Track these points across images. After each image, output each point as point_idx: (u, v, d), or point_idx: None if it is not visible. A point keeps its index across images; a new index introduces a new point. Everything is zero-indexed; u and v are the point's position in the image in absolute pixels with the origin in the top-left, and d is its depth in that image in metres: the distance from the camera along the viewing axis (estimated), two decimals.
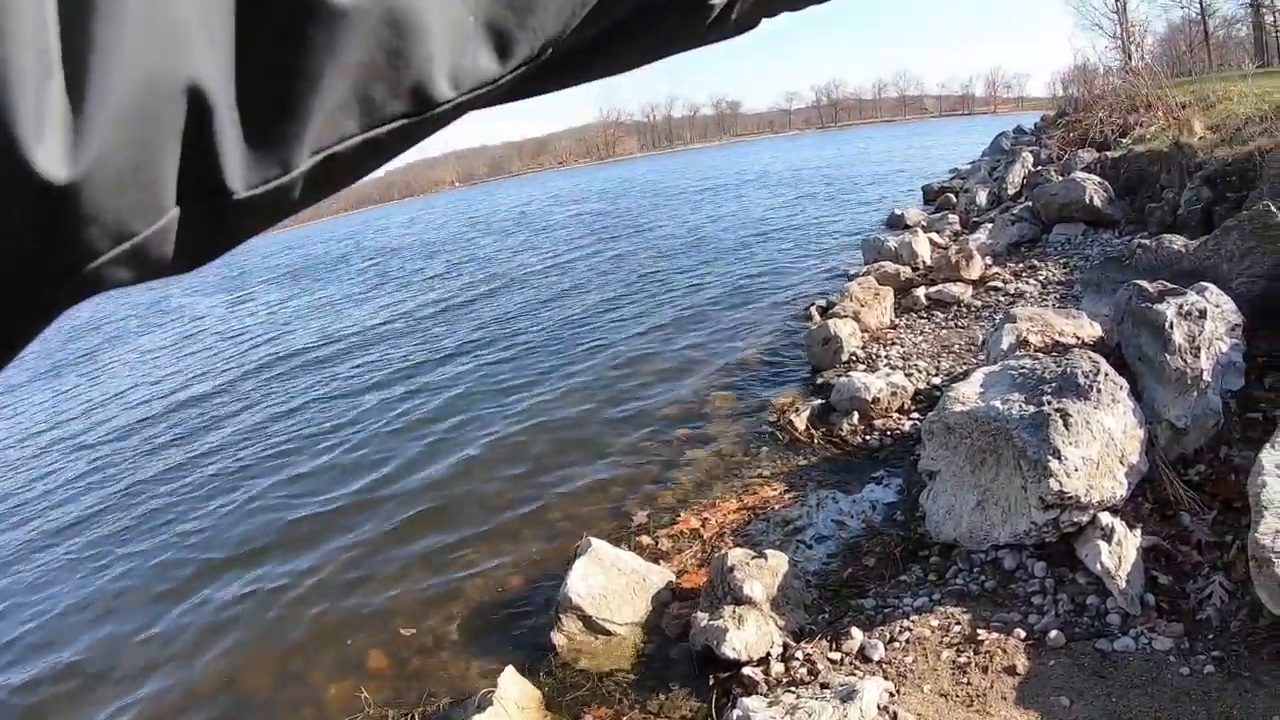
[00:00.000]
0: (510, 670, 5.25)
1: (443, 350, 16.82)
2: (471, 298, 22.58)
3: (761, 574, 5.23)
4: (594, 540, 6.15)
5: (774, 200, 31.16)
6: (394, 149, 0.50)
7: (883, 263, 13.49)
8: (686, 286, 17.86)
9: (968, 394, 5.61)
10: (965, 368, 8.37)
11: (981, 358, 8.15)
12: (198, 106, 0.38)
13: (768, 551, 5.44)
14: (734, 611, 5.02)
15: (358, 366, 17.11)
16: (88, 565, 9.97)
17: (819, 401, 8.63)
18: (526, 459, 9.72)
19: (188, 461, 13.04)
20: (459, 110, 0.51)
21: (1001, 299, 10.58)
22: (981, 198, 18.93)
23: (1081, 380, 5.21)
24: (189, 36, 0.38)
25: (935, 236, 15.43)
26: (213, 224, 0.43)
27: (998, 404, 5.28)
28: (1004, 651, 4.33)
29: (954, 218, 17.77)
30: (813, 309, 12.73)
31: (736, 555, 5.40)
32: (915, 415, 7.80)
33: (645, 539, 6.93)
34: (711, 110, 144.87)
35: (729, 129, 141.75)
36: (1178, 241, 8.15)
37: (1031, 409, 5.08)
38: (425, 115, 0.49)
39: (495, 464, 9.73)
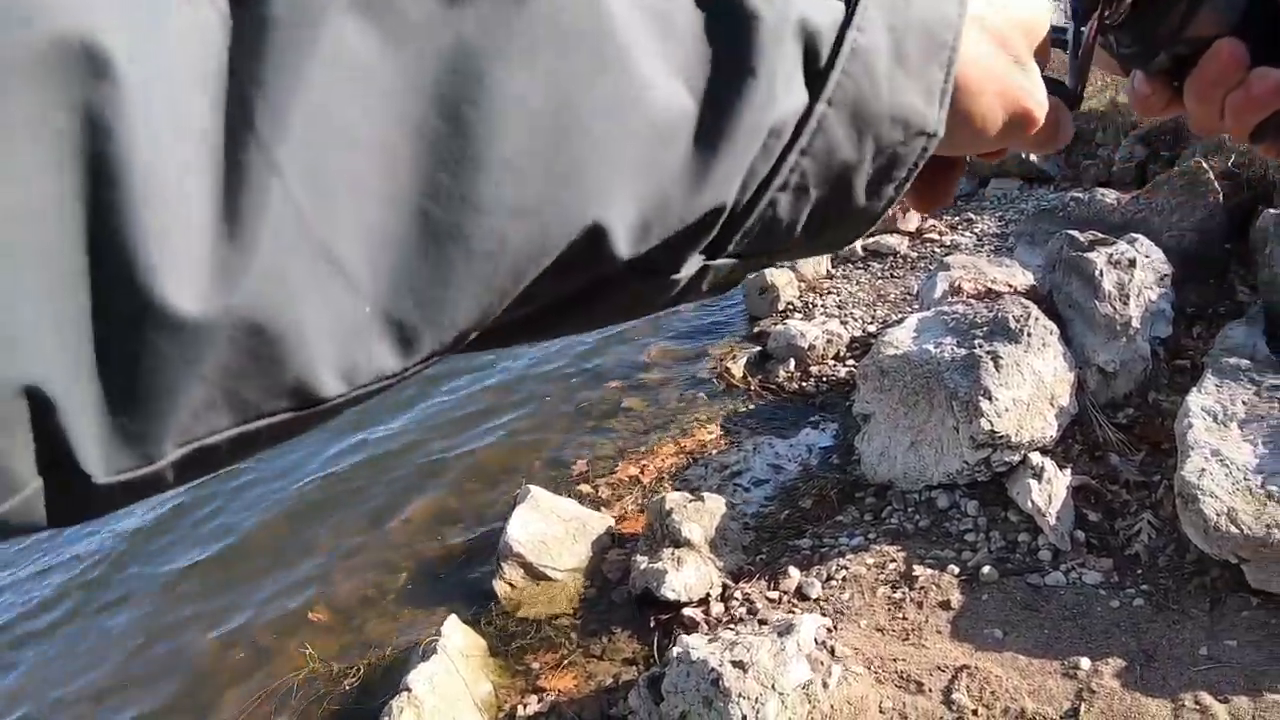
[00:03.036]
0: (453, 619, 5.28)
1: None
2: None
3: (700, 516, 5.28)
4: (533, 488, 6.17)
5: None
6: (270, 440, 0.45)
7: None
8: None
9: (901, 338, 5.68)
10: (900, 316, 8.47)
11: (916, 306, 8.26)
12: (42, 405, 0.36)
13: (705, 495, 5.50)
14: (673, 554, 5.07)
15: None
16: None
17: (756, 349, 8.67)
18: (461, 412, 9.66)
19: None
20: (347, 406, 0.45)
21: (937, 250, 10.65)
22: None
23: (1013, 324, 5.30)
24: (29, 341, 0.35)
25: None
26: (80, 500, 0.40)
27: (930, 348, 5.36)
28: (938, 587, 4.42)
29: None
30: None
31: (674, 499, 5.45)
32: (851, 362, 7.84)
33: (585, 487, 6.94)
34: None
35: None
36: (1110, 195, 8.25)
37: (963, 352, 5.17)
38: (312, 411, 0.43)
39: (430, 417, 9.66)
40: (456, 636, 5.15)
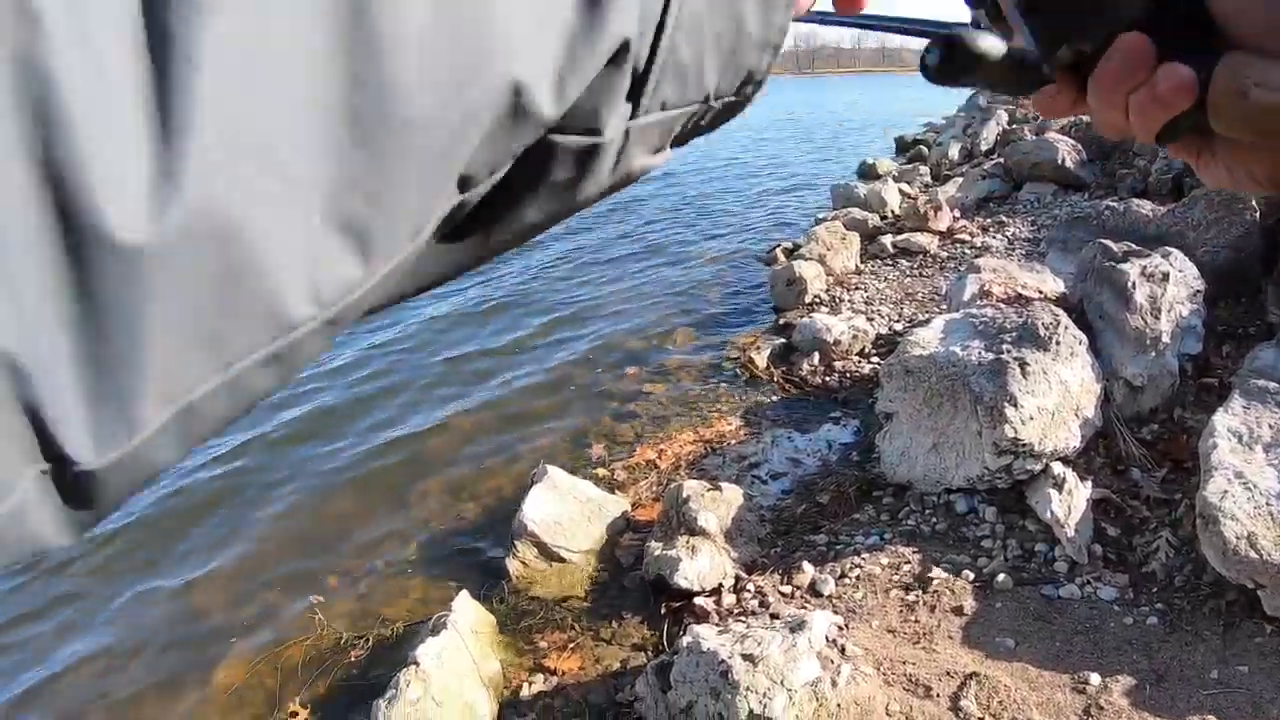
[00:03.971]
0: (465, 595, 5.27)
1: None
2: None
3: (716, 506, 5.28)
4: (550, 468, 6.17)
5: (743, 143, 30.79)
6: (263, 389, 0.44)
7: (851, 209, 13.46)
8: (651, 222, 17.72)
9: (928, 339, 5.66)
10: (927, 315, 8.43)
11: (944, 307, 8.22)
12: (13, 377, 0.34)
13: (723, 484, 5.49)
14: (688, 542, 5.07)
15: None
16: None
17: (780, 341, 8.68)
18: (483, 390, 9.70)
19: None
20: (328, 331, 0.44)
21: (967, 251, 10.62)
22: (954, 152, 18.76)
23: (1041, 331, 5.27)
24: None
25: (905, 187, 15.36)
26: (74, 496, 0.38)
27: (957, 350, 5.34)
28: (952, 592, 4.41)
29: (925, 170, 17.74)
30: (778, 250, 12.67)
31: (692, 486, 5.45)
32: (876, 359, 7.84)
33: (602, 471, 6.96)
34: None
35: None
36: (1145, 206, 8.21)
37: (990, 356, 5.14)
38: (288, 341, 0.42)
39: (452, 394, 9.70)
40: (467, 613, 5.15)
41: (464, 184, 0.49)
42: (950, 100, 37.38)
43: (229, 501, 8.26)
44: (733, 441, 6.98)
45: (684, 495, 5.36)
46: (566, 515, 5.83)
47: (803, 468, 6.37)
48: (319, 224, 0.41)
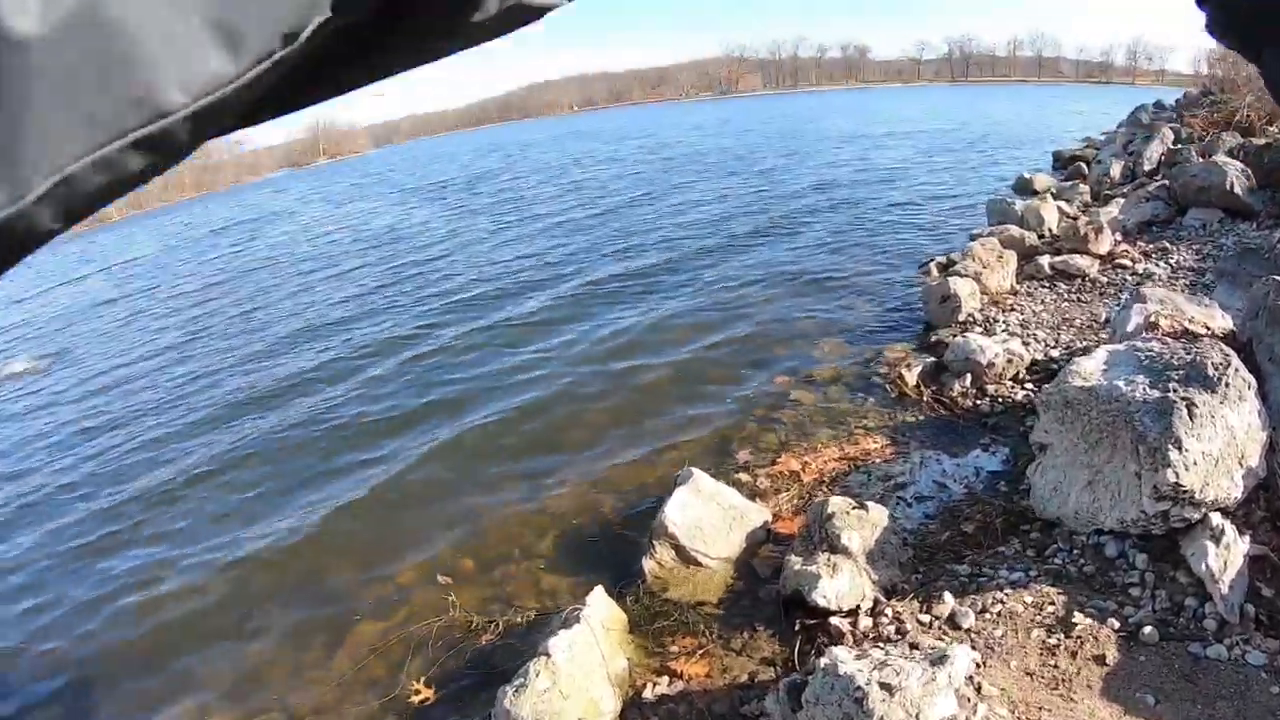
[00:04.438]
0: (599, 590, 5.33)
1: (558, 265, 16.99)
2: (579, 220, 22.83)
3: (860, 525, 5.25)
4: (695, 471, 6.21)
5: (900, 151, 30.30)
6: (137, 170, 0.49)
7: (1008, 226, 13.13)
8: (806, 230, 17.56)
9: (1090, 370, 5.51)
10: (1085, 344, 8.22)
11: (1104, 335, 8.01)
12: None
13: (868, 503, 5.45)
14: (829, 559, 5.06)
15: (461, 272, 17.60)
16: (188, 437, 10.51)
17: (931, 359, 8.56)
18: (633, 384, 9.82)
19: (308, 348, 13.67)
20: (199, 124, 0.49)
21: (1129, 278, 10.28)
22: (1115, 170, 18.08)
23: (1210, 371, 5.09)
24: None
25: (1064, 205, 14.83)
26: None
27: (1120, 384, 5.18)
28: (1095, 639, 4.31)
29: (1084, 188, 17.12)
30: (932, 265, 12.48)
31: (837, 503, 5.43)
32: (1029, 385, 7.68)
33: (744, 476, 6.97)
34: (839, 53, 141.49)
35: (856, 74, 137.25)
36: None
37: (1156, 394, 4.97)
38: (161, 126, 0.47)
39: (601, 386, 9.90)
40: (600, 608, 5.21)
41: (339, 5, 0.53)
42: (1110, 114, 36.24)
43: (374, 473, 8.56)
44: (878, 460, 6.92)
45: (829, 511, 5.35)
46: (708, 520, 5.86)
47: (949, 493, 6.29)
48: (196, 22, 0.47)
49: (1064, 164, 22.98)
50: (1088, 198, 16.35)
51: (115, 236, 57.76)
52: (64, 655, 6.84)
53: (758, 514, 6.11)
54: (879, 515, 5.38)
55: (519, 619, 5.88)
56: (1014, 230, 12.72)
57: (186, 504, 8.99)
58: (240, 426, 10.89)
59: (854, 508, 5.39)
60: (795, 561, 5.20)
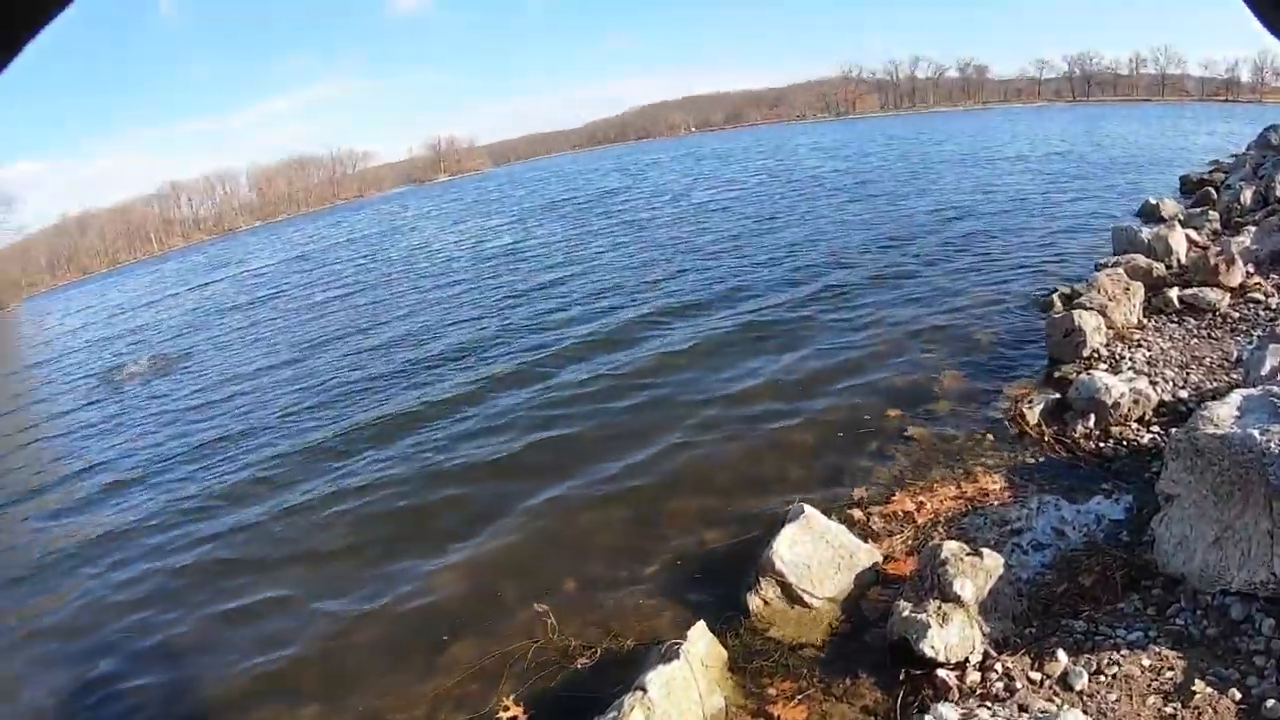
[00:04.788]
0: (701, 625, 5.24)
1: (674, 294, 16.98)
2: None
3: (975, 573, 5.06)
4: (807, 507, 6.08)
5: (1021, 175, 29.59)
6: None
7: (1134, 255, 12.67)
8: (926, 259, 17.20)
9: (1222, 416, 5.25)
10: (1216, 385, 7.90)
11: (1236, 376, 7.69)
12: None
13: (984, 550, 5.23)
14: (939, 608, 4.90)
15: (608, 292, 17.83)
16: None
17: (1054, 396, 8.27)
18: (748, 408, 9.75)
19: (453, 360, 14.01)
20: None
21: (1262, 313, 9.85)
22: (1246, 196, 17.10)
23: None
24: None
25: (1193, 233, 14.26)
26: None
27: (1255, 433, 4.90)
28: (1214, 710, 4.08)
29: (1214, 214, 16.35)
30: (1055, 296, 12.07)
31: (951, 548, 5.23)
32: (1155, 429, 7.38)
33: (857, 513, 6.81)
34: (957, 73, 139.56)
35: (974, 94, 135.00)
36: None
37: None
38: None
39: (709, 419, 9.79)
40: (701, 644, 5.13)
41: None
42: (1236, 135, 35.02)
43: (489, 491, 8.65)
44: (996, 502, 6.70)
45: (942, 556, 5.17)
46: (816, 559, 5.74)
47: (1067, 541, 6.03)
48: None
49: (1192, 189, 22.13)
50: (1218, 225, 15.68)
51: (244, 246, 59.71)
52: (157, 658, 7.12)
53: (868, 555, 5.94)
54: (994, 563, 5.17)
55: (617, 646, 5.85)
56: (1140, 260, 12.30)
57: (289, 514, 9.36)
58: (347, 448, 11.16)
59: (968, 554, 5.19)
60: (904, 607, 5.05)
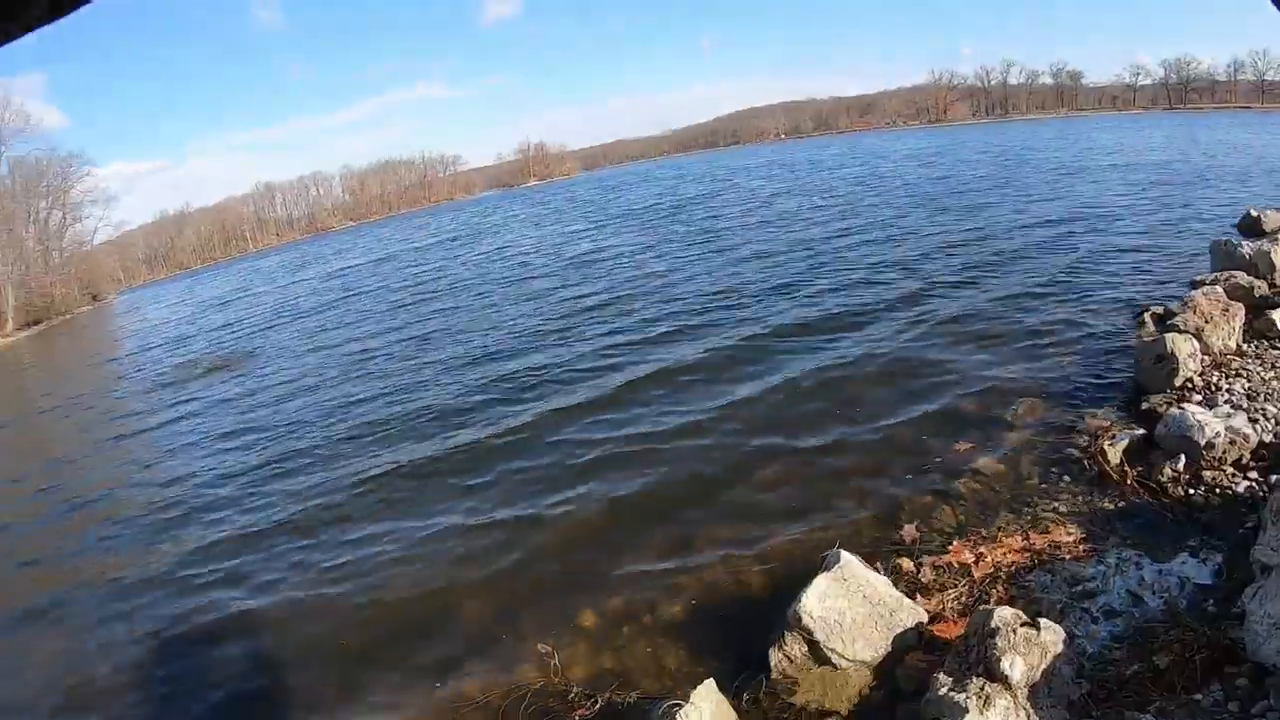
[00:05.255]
0: (709, 685, 4.71)
1: (742, 306, 16.35)
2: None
3: (1028, 649, 4.35)
4: (845, 555, 5.40)
5: (1114, 186, 28.35)
6: None
7: (1234, 273, 11.63)
8: (1010, 272, 16.29)
9: None
10: None
11: None
12: None
13: (1042, 621, 4.49)
14: (982, 688, 4.21)
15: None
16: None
17: (1139, 432, 7.41)
18: (799, 430, 9.11)
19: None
20: None
21: None
22: None
23: None
24: None
25: None
26: None
27: None
28: None
29: None
30: (1147, 316, 11.15)
31: (1004, 617, 4.50)
32: (1254, 474, 6.52)
33: (907, 562, 6.09)
34: (1050, 80, 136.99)
35: (1068, 101, 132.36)
36: None
37: None
38: None
39: (763, 443, 9.14)
40: (708, 703, 4.60)
41: None
42: None
43: (513, 518, 8.35)
44: (1068, 555, 5.92)
45: (992, 625, 4.46)
46: (850, 615, 5.06)
47: (1144, 609, 5.24)
48: None
49: None
50: None
51: (333, 245, 61.52)
52: (176, 665, 7.01)
53: (910, 613, 5.22)
54: (1052, 637, 4.43)
55: (619, 697, 5.40)
56: (1241, 278, 11.28)
57: (318, 528, 9.15)
58: (391, 455, 10.97)
59: (1024, 624, 4.47)
60: (943, 683, 4.37)
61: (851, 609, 5.08)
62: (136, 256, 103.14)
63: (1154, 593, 5.41)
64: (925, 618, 5.28)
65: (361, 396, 14.22)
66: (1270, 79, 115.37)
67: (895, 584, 5.56)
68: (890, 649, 5.06)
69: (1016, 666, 4.26)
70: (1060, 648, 4.42)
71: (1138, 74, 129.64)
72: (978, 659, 4.40)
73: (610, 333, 15.44)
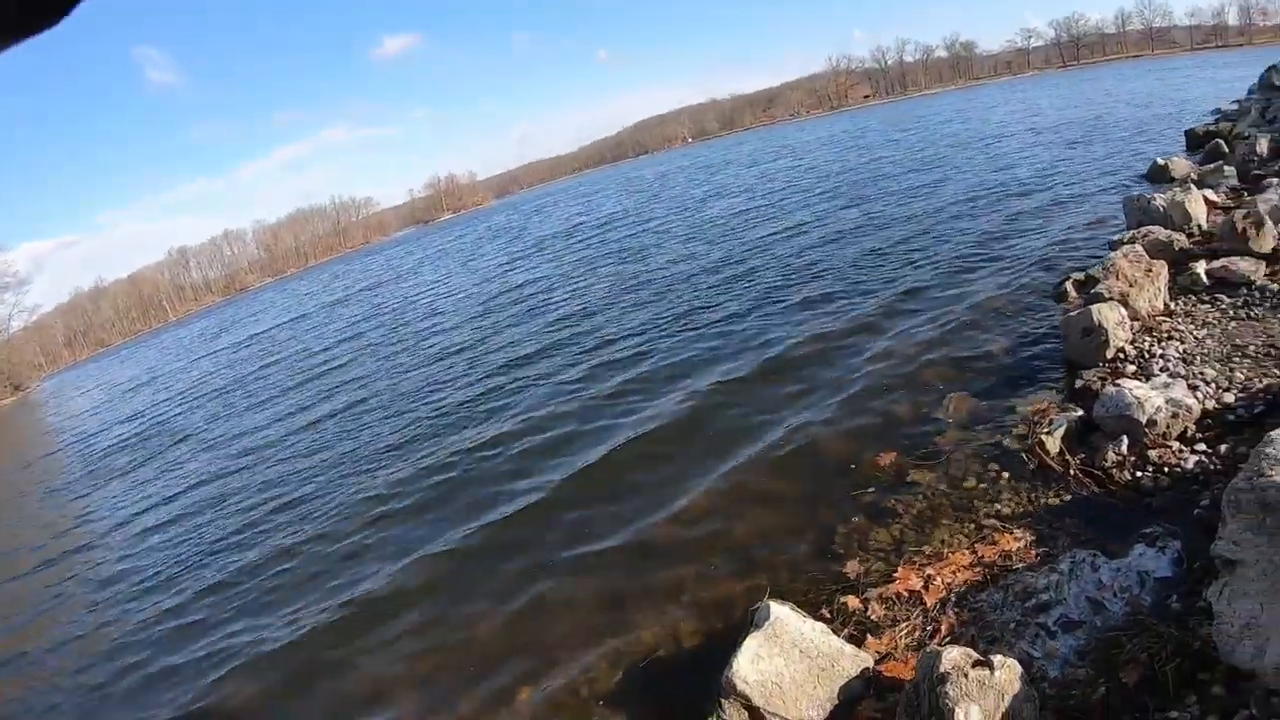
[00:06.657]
0: None
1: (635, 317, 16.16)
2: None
3: (983, 693, 3.90)
4: (774, 607, 4.91)
5: (1018, 151, 28.44)
6: None
7: (1151, 228, 11.37)
8: (917, 247, 16.17)
9: None
10: (1267, 381, 6.71)
11: None
12: None
13: (995, 659, 4.02)
14: None
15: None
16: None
17: (1077, 414, 7.05)
18: (716, 458, 8.72)
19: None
20: None
21: None
22: (1262, 146, 15.81)
23: None
24: None
25: (1210, 193, 12.96)
26: None
27: None
28: None
29: (1229, 169, 15.03)
30: (1068, 284, 10.81)
31: (953, 660, 4.04)
32: (1201, 448, 6.15)
33: (853, 600, 5.63)
34: (945, 53, 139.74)
35: (964, 72, 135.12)
36: None
37: None
38: None
39: (675, 463, 8.87)
40: None
41: None
42: (1234, 81, 33.78)
43: (442, 586, 7.92)
44: (1019, 564, 5.50)
45: (942, 670, 4.00)
46: (789, 674, 4.61)
47: (1105, 616, 4.80)
48: None
49: (1199, 143, 20.81)
50: (1235, 181, 14.43)
51: (250, 307, 61.20)
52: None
53: (853, 661, 4.76)
54: (1008, 675, 3.97)
55: None
56: (1159, 233, 11.05)
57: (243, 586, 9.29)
58: (323, 512, 10.87)
59: (975, 663, 4.01)
60: None
61: (789, 667, 4.62)
62: (56, 339, 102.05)
63: (1114, 595, 4.99)
64: (871, 661, 4.82)
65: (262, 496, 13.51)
66: (1158, 25, 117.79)
67: (841, 627, 5.19)
68: (838, 701, 4.61)
69: (972, 714, 3.82)
70: (1018, 685, 3.97)
71: (1029, 37, 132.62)
72: (929, 709, 3.96)
73: (526, 387, 14.68)
